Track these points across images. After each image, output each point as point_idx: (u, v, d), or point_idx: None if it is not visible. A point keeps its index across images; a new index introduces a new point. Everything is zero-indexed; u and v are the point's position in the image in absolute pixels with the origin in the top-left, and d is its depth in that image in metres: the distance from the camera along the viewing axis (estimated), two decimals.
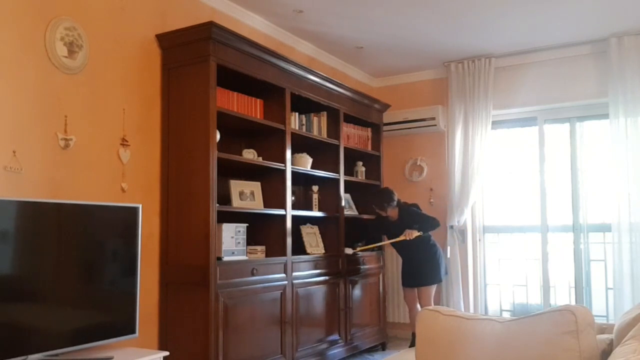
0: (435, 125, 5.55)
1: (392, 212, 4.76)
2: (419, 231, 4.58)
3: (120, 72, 3.31)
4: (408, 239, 4.56)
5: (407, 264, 4.75)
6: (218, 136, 3.48)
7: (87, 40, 3.10)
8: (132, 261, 2.99)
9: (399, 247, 4.77)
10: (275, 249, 4.00)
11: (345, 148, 4.86)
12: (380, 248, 5.23)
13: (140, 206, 3.05)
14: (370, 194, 5.07)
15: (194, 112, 3.43)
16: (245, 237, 3.66)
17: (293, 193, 4.26)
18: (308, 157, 4.45)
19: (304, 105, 4.46)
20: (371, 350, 5.13)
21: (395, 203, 4.73)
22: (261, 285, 3.72)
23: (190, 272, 3.37)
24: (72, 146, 2.99)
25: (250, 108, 3.89)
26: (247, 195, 3.87)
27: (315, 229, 4.65)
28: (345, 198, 4.93)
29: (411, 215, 4.70)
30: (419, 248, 4.63)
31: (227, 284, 3.41)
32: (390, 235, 4.74)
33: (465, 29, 4.68)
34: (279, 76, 4.02)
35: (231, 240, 3.54)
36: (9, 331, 2.44)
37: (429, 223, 4.63)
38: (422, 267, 4.63)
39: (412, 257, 4.69)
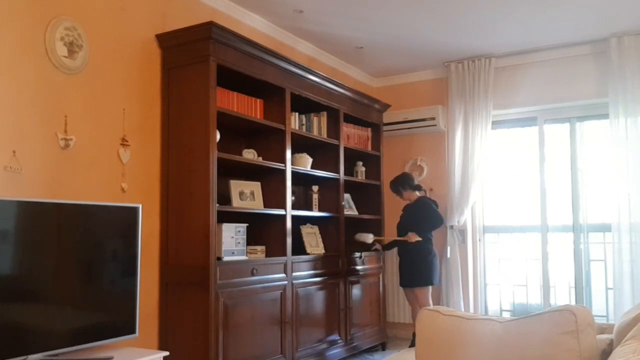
0: (435, 125, 5.55)
1: (408, 196, 4.80)
2: (419, 235, 4.61)
3: (120, 72, 3.31)
4: (409, 241, 4.60)
5: (400, 263, 4.79)
6: (218, 136, 3.48)
7: (87, 40, 3.10)
8: (132, 261, 2.99)
9: (400, 245, 4.80)
10: (275, 249, 4.00)
11: (345, 148, 4.86)
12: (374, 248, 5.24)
13: (140, 206, 3.05)
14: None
15: (194, 112, 3.43)
16: (245, 237, 3.67)
17: (293, 193, 4.25)
18: (308, 157, 4.45)
19: (304, 105, 4.46)
20: (371, 350, 5.13)
21: (410, 187, 4.77)
22: (261, 285, 3.72)
23: (190, 272, 3.37)
24: (72, 146, 2.99)
25: (250, 108, 3.89)
26: (247, 195, 3.87)
27: (315, 229, 4.65)
28: (345, 198, 4.93)
29: (422, 206, 4.71)
30: (412, 248, 4.63)
31: (227, 284, 3.41)
32: (402, 222, 4.79)
33: (466, 29, 4.68)
34: (279, 76, 4.02)
35: (231, 240, 3.54)
36: (9, 331, 2.44)
37: (430, 222, 4.63)
38: (411, 268, 4.64)
39: (404, 256, 4.72)
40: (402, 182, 4.80)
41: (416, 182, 4.93)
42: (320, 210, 4.66)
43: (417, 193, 4.82)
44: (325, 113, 4.69)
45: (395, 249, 4.97)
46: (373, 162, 5.43)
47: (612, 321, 4.36)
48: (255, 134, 4.12)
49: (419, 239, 4.59)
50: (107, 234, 2.95)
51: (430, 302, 4.65)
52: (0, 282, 2.43)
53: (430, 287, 4.64)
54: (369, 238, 4.91)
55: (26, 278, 2.55)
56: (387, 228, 5.31)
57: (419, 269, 4.60)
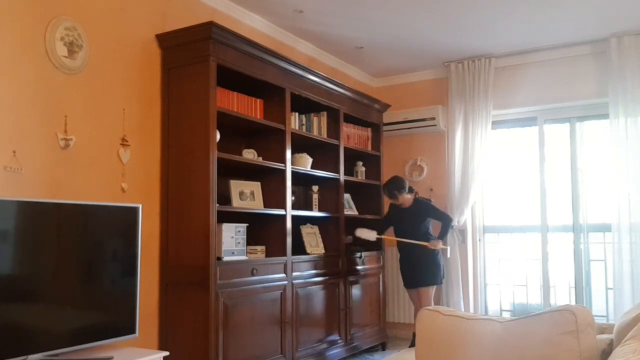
0: (435, 125, 5.55)
1: (404, 200, 4.75)
2: (440, 238, 4.62)
3: (120, 72, 3.31)
4: (432, 248, 4.57)
5: (405, 264, 4.75)
6: (218, 136, 3.48)
7: (87, 40, 3.10)
8: (132, 261, 2.99)
9: (401, 246, 4.75)
10: (275, 249, 4.00)
11: (345, 148, 4.86)
12: (379, 248, 5.24)
13: (140, 206, 3.05)
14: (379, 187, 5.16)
15: (194, 112, 3.43)
16: (245, 237, 3.67)
17: (293, 193, 4.25)
18: (308, 157, 4.45)
19: (304, 105, 4.46)
20: (371, 350, 5.13)
21: (405, 190, 4.74)
22: (261, 285, 3.72)
23: (190, 272, 3.37)
24: (72, 146, 2.99)
25: (250, 108, 3.89)
26: (247, 195, 3.87)
27: (315, 229, 4.65)
28: (345, 198, 4.93)
29: (427, 208, 4.72)
30: (418, 248, 4.62)
31: (227, 284, 3.41)
32: (403, 225, 4.72)
33: (466, 29, 4.68)
34: (279, 76, 4.02)
35: (231, 240, 3.54)
36: (9, 331, 2.44)
37: (447, 220, 4.70)
38: (419, 268, 4.62)
39: (410, 257, 4.68)
40: (399, 186, 4.70)
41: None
42: (320, 210, 4.66)
43: (409, 195, 4.78)
44: (325, 113, 4.69)
45: (395, 249, 4.96)
46: (373, 162, 5.43)
47: (612, 321, 4.36)
48: (255, 134, 4.12)
49: (445, 247, 4.69)
50: (107, 234, 2.95)
51: (432, 302, 4.65)
52: (0, 282, 2.43)
53: (434, 287, 4.64)
54: (372, 236, 4.78)
55: (26, 278, 2.55)
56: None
57: (425, 269, 4.60)
